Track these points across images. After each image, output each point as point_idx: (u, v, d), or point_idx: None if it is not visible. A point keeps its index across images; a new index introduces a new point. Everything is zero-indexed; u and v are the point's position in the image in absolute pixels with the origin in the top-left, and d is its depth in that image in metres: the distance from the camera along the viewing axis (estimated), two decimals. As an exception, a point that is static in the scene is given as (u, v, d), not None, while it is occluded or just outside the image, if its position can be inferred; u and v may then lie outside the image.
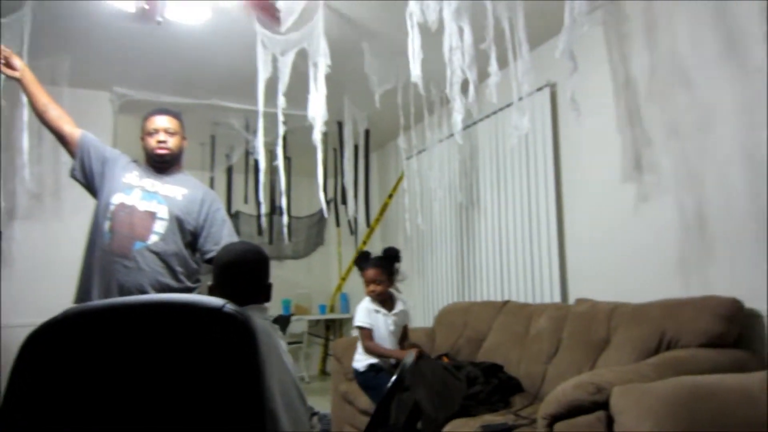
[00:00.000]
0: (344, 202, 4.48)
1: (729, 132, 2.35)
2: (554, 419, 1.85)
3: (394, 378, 1.31)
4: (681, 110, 2.56)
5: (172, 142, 2.40)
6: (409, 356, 1.53)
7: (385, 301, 3.11)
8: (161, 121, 2.41)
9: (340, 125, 4.54)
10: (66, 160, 2.53)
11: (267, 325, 1.54)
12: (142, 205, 2.31)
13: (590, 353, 2.55)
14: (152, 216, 2.32)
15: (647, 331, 2.31)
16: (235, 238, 2.46)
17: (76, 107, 2.77)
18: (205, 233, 2.41)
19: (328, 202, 6.18)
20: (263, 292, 1.65)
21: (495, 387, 2.68)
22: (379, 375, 2.94)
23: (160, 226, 2.32)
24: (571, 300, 3.07)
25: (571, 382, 1.83)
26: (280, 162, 3.24)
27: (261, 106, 3.14)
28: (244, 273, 1.63)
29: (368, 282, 3.09)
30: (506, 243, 3.68)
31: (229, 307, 0.96)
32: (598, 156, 3.04)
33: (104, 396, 0.95)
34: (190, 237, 2.39)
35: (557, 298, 3.22)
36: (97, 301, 1.62)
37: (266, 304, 1.64)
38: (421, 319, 4.74)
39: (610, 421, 1.65)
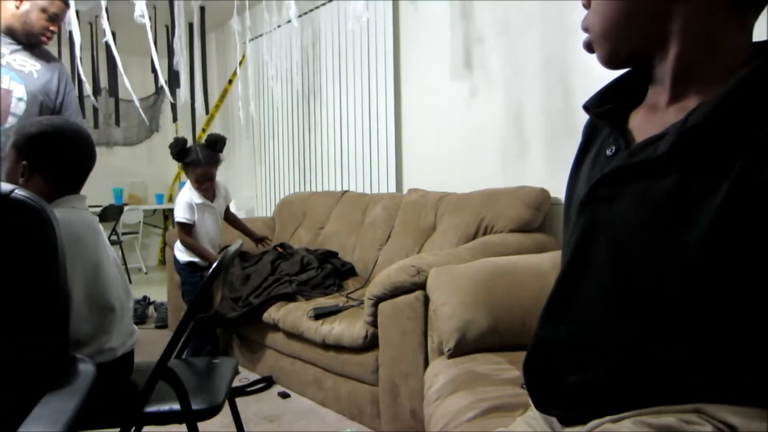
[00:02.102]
0: (177, 85, 4.15)
1: (550, 32, 2.50)
2: (379, 300, 1.99)
3: (209, 272, 1.29)
4: (510, 8, 2.66)
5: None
6: (235, 245, 1.51)
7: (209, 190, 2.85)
8: (64, 10, 2.10)
9: (171, -1, 4.11)
10: None
11: (91, 218, 1.40)
12: None
13: (418, 239, 2.74)
14: (8, 95, 2.00)
15: (468, 219, 2.52)
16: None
17: None
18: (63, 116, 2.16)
19: (160, 86, 5.74)
20: (84, 181, 1.46)
21: (329, 272, 2.80)
22: (194, 275, 2.82)
23: (17, 107, 2.01)
24: (405, 190, 3.23)
25: (395, 265, 1.96)
26: (110, 38, 2.87)
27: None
28: (75, 151, 1.36)
29: (202, 181, 2.74)
30: (346, 134, 3.71)
31: (20, 192, 0.87)
32: (434, 50, 3.09)
33: None
34: None
35: (393, 189, 3.36)
36: None
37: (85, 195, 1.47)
38: (263, 208, 4.73)
39: (426, 299, 1.81)
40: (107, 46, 4.50)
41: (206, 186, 2.78)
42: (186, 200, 2.78)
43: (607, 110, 0.72)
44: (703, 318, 0.60)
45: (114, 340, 1.32)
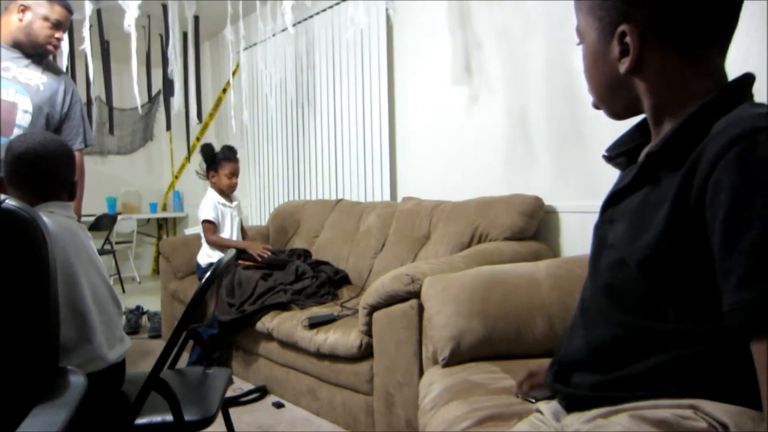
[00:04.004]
0: (171, 94, 4.15)
1: (552, 37, 2.50)
2: (373, 309, 1.98)
3: (208, 273, 1.29)
4: (509, 13, 2.67)
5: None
6: (229, 254, 1.51)
7: (226, 194, 3.15)
8: (67, 18, 2.09)
9: (165, 8, 4.11)
10: None
11: (72, 224, 1.42)
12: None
13: (413, 248, 2.74)
14: (14, 108, 2.00)
15: (462, 227, 2.52)
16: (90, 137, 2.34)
17: None
18: (65, 127, 2.20)
19: (155, 95, 5.73)
20: (66, 189, 1.49)
21: (323, 281, 2.79)
22: None
23: (23, 119, 2.01)
24: (400, 198, 3.23)
25: (389, 274, 1.95)
26: (88, 47, 2.87)
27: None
28: (44, 165, 1.43)
29: (231, 175, 3.09)
30: (341, 142, 3.71)
31: (10, 202, 0.87)
32: (427, 58, 3.10)
33: None
34: (54, 133, 2.16)
35: (387, 197, 3.36)
36: None
37: (71, 203, 1.49)
38: (257, 217, 4.72)
39: (421, 308, 1.80)
40: (103, 52, 4.53)
41: (235, 181, 3.12)
42: (211, 201, 3.06)
43: (618, 158, 0.90)
44: (668, 315, 0.70)
45: (102, 348, 1.31)
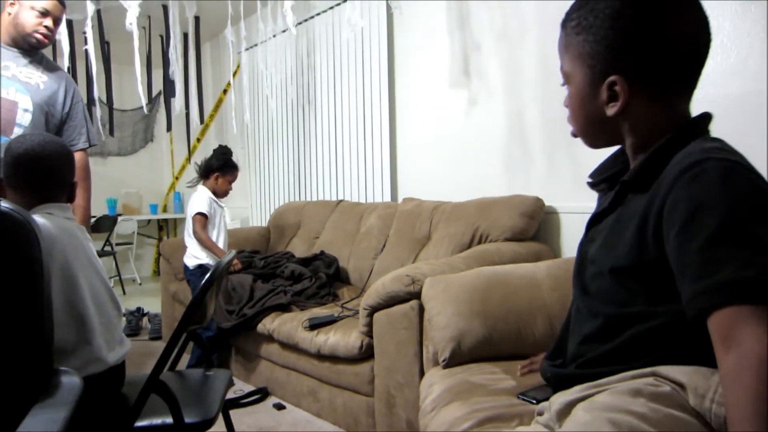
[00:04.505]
0: (173, 95, 4.14)
1: (548, 38, 2.50)
2: (374, 309, 1.98)
3: (208, 275, 1.29)
4: (508, 15, 2.66)
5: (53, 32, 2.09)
6: (229, 255, 1.50)
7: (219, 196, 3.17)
8: (56, 7, 2.05)
9: (165, 9, 4.11)
10: None
11: (71, 225, 1.42)
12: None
13: (413, 248, 2.73)
14: (14, 106, 1.99)
15: (463, 228, 2.52)
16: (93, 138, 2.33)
17: None
18: (67, 127, 2.18)
19: (156, 96, 5.73)
20: (65, 190, 1.49)
21: (323, 282, 2.79)
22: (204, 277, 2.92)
23: (23, 118, 2.01)
24: (400, 199, 3.22)
25: (390, 275, 1.95)
26: (91, 46, 2.87)
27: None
28: (43, 167, 1.42)
29: (232, 182, 3.16)
30: (341, 143, 3.71)
31: (3, 205, 0.87)
32: (428, 59, 3.10)
33: None
34: (56, 133, 2.15)
35: (388, 198, 3.35)
36: None
37: (69, 204, 1.48)
38: (258, 218, 4.71)
39: (421, 309, 1.80)
40: (103, 53, 4.52)
41: (230, 188, 3.18)
42: (205, 195, 3.06)
43: (601, 183, 1.03)
44: (637, 302, 0.83)
45: (101, 350, 1.30)
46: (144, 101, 3.16)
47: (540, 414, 0.96)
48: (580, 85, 0.92)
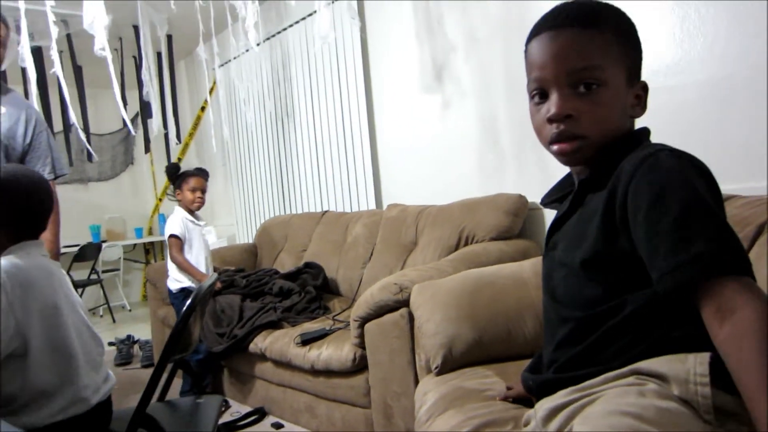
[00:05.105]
0: (149, 116, 4.10)
1: (513, 39, 2.50)
2: (365, 320, 1.96)
3: (189, 301, 1.26)
4: (475, 18, 2.66)
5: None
6: (210, 279, 1.48)
7: (194, 213, 3.02)
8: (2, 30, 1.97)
9: (136, 29, 4.07)
10: None
11: (47, 263, 1.36)
12: None
13: (401, 255, 2.72)
14: None
15: (448, 231, 2.50)
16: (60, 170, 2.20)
17: None
18: (29, 159, 2.08)
19: (133, 117, 5.68)
20: (43, 226, 1.43)
21: (313, 296, 2.76)
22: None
23: None
24: (385, 206, 3.21)
25: (378, 284, 1.93)
26: (59, 70, 2.82)
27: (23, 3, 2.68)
28: (18, 202, 1.34)
29: (194, 190, 2.93)
30: (322, 154, 3.69)
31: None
32: (402, 65, 3.09)
33: None
34: None
35: (372, 205, 3.34)
36: None
37: (42, 240, 1.43)
38: (244, 234, 4.68)
39: (411, 317, 1.78)
40: (76, 77, 4.46)
41: (199, 196, 2.96)
42: (178, 217, 2.92)
43: (552, 203, 1.10)
44: (603, 296, 0.85)
45: (85, 390, 1.27)
46: (128, 122, 3.11)
47: (526, 424, 0.96)
48: (621, 89, 0.91)
